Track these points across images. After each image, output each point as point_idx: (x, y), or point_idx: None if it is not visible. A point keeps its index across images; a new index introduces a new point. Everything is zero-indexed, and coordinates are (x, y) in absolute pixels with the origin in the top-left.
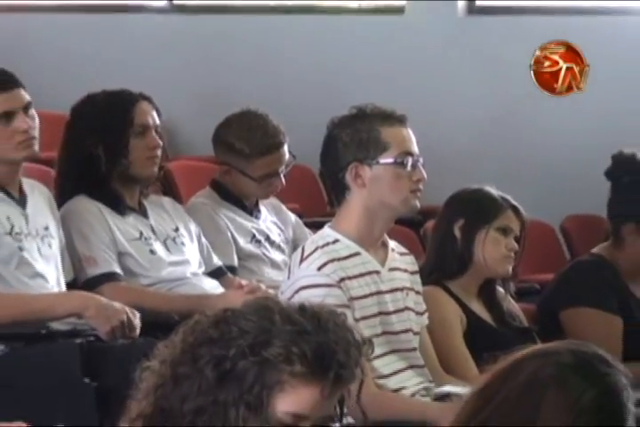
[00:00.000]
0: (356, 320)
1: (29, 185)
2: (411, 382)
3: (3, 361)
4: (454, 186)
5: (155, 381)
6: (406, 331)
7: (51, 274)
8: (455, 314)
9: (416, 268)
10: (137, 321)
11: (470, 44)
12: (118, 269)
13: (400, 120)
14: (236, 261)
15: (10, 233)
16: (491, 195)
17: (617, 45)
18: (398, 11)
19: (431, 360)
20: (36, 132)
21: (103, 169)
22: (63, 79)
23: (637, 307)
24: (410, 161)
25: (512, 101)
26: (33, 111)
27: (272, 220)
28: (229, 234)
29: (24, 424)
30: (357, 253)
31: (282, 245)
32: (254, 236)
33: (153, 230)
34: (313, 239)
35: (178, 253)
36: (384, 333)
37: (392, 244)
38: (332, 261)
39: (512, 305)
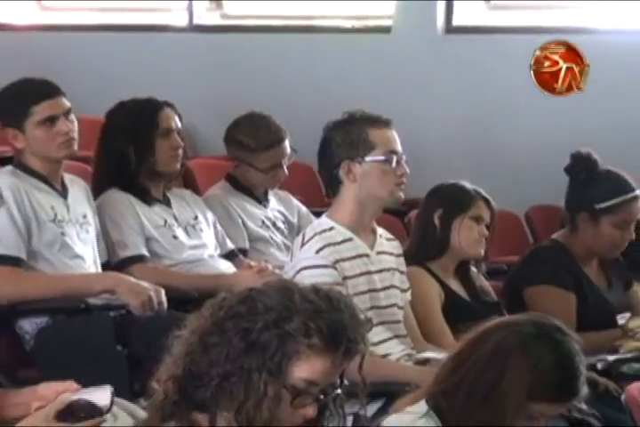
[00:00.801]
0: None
1: (70, 179)
2: (396, 350)
3: (47, 331)
4: (433, 180)
5: (185, 348)
6: (392, 306)
7: (88, 256)
8: (435, 291)
9: (401, 251)
10: (162, 297)
11: (448, 59)
12: (145, 252)
13: (385, 123)
14: (247, 244)
15: (53, 220)
16: (465, 188)
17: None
18: (386, 30)
19: (413, 331)
20: (76, 134)
21: (133, 166)
22: (98, 88)
23: (589, 285)
24: (394, 158)
25: (483, 108)
26: (72, 116)
27: (279, 209)
28: (240, 221)
29: (74, 383)
30: (350, 239)
31: (286, 230)
32: (263, 222)
33: (175, 218)
34: (312, 226)
35: (196, 237)
36: (373, 307)
37: (380, 230)
38: (329, 245)
39: (483, 283)
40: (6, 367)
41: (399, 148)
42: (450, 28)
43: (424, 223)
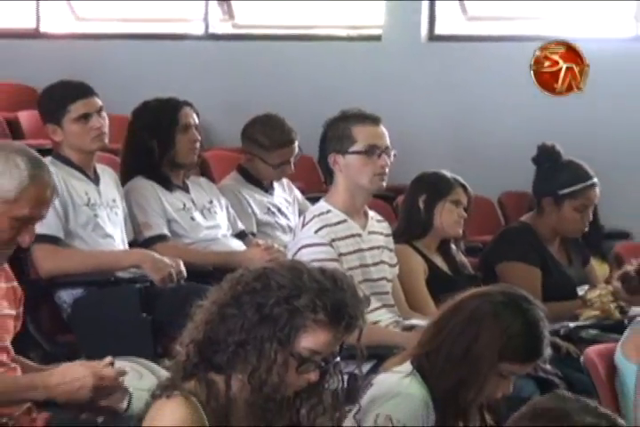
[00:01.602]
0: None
1: (101, 168)
2: (385, 317)
3: (81, 301)
4: (418, 169)
5: (206, 316)
6: (382, 279)
7: (117, 235)
8: (419, 266)
9: (389, 231)
10: (182, 268)
11: (430, 63)
12: (167, 232)
13: (373, 120)
14: (254, 228)
15: (87, 204)
16: (446, 176)
17: None
18: (376, 38)
19: (400, 301)
20: (106, 129)
21: (156, 157)
22: (126, 89)
23: (552, 261)
24: (376, 152)
25: (462, 106)
26: (104, 113)
27: (283, 196)
28: (249, 208)
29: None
30: (344, 221)
31: (289, 215)
32: (269, 208)
33: (193, 202)
34: (311, 210)
35: (211, 219)
36: (365, 280)
37: (371, 213)
38: (326, 226)
39: (462, 258)
40: (47, 333)
41: (382, 142)
42: (432, 37)
43: (410, 207)
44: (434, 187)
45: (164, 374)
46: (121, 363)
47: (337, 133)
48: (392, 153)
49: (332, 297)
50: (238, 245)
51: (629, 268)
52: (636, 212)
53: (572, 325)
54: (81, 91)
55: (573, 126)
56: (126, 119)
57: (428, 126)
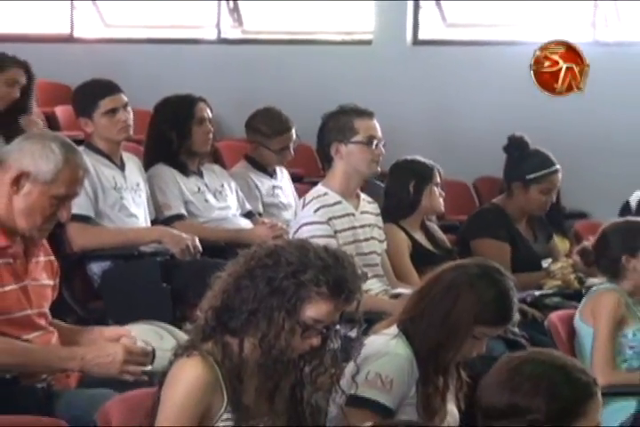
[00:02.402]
0: (339, 246)
1: (126, 156)
2: (375, 286)
3: (109, 272)
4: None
5: (223, 286)
6: (372, 253)
7: (141, 215)
8: (404, 242)
9: (378, 211)
10: (197, 243)
11: (415, 65)
12: (184, 212)
13: (369, 114)
14: (261, 209)
15: (114, 188)
16: (425, 163)
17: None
18: (367, 43)
19: (388, 272)
20: (131, 122)
21: (174, 147)
22: (148, 87)
23: (520, 238)
24: (373, 142)
25: (442, 102)
26: (129, 108)
27: (286, 180)
28: (256, 191)
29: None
30: (340, 202)
31: (290, 194)
32: (274, 191)
33: (207, 186)
34: (311, 192)
35: (223, 201)
36: (357, 254)
37: (363, 195)
38: (323, 206)
39: (440, 235)
40: (80, 300)
41: (378, 134)
42: (416, 41)
43: (400, 191)
44: (420, 173)
45: (182, 335)
46: (144, 326)
47: (338, 125)
48: (382, 143)
49: (333, 273)
50: (246, 224)
51: (587, 244)
52: (593, 195)
53: (537, 293)
54: (109, 88)
55: (538, 120)
56: (148, 113)
57: (412, 120)
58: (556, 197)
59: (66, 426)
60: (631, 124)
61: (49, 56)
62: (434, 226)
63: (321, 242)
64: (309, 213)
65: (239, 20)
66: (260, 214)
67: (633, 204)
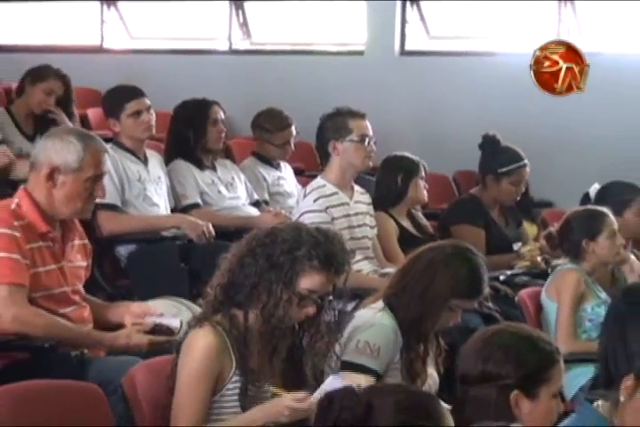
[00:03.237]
0: None
1: (149, 152)
2: (366, 267)
3: (135, 254)
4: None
5: (228, 265)
6: (364, 237)
7: (162, 204)
8: (392, 228)
9: (370, 201)
10: (211, 229)
11: (402, 73)
12: (200, 201)
13: (361, 116)
14: (267, 197)
15: (138, 180)
16: (412, 158)
17: (492, 73)
18: (360, 53)
19: (378, 254)
20: (154, 122)
21: (191, 144)
22: (168, 92)
23: (493, 224)
24: (366, 140)
25: (427, 105)
26: (152, 110)
27: (290, 172)
28: (263, 182)
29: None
30: (336, 193)
31: (292, 185)
32: (279, 181)
33: (219, 179)
34: (311, 184)
35: (233, 192)
36: (351, 238)
37: (356, 187)
38: (322, 197)
39: (424, 221)
40: (109, 278)
41: (370, 133)
42: (403, 52)
43: (389, 183)
44: (407, 168)
45: (197, 309)
46: (164, 301)
47: (335, 125)
48: (374, 141)
49: (324, 249)
50: (254, 212)
51: (552, 229)
52: (558, 186)
53: (508, 273)
54: (134, 93)
55: (510, 121)
56: (169, 115)
57: (400, 121)
58: (525, 188)
59: (96, 389)
60: (590, 125)
61: (82, 64)
62: (418, 214)
63: None
64: (309, 202)
65: (248, 34)
66: (266, 202)
67: (592, 194)
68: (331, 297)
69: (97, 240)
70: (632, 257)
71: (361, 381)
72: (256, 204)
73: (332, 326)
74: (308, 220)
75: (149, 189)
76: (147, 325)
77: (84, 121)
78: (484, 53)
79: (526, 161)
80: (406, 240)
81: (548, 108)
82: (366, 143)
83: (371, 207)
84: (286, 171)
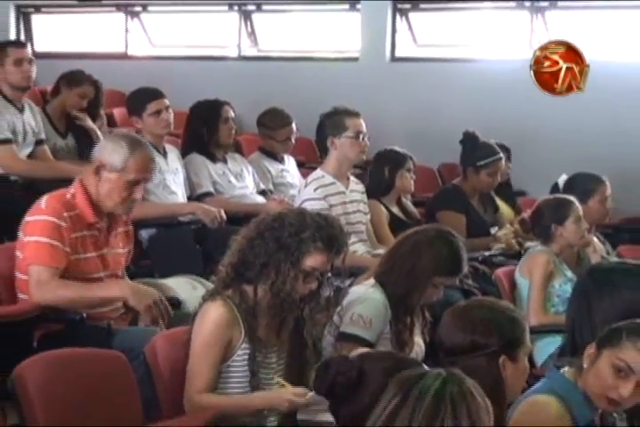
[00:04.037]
0: None
1: (168, 147)
2: (360, 249)
3: (155, 237)
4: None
5: (238, 246)
6: (358, 222)
7: (179, 192)
8: (383, 214)
9: (364, 190)
10: (223, 214)
11: (393, 77)
12: (212, 190)
13: (356, 114)
14: (272, 187)
15: (159, 171)
16: (400, 152)
17: (473, 77)
18: (355, 59)
19: (371, 237)
20: (172, 120)
21: (205, 140)
22: (185, 93)
23: (473, 210)
24: (360, 136)
25: (414, 106)
26: (170, 109)
27: (292, 165)
28: (269, 174)
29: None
30: (334, 183)
31: (295, 176)
32: (282, 173)
33: (230, 170)
34: (311, 175)
35: (242, 182)
36: (347, 223)
37: (352, 177)
38: (321, 186)
39: (412, 208)
40: (132, 259)
41: (364, 129)
42: (394, 58)
43: (378, 174)
44: (394, 160)
45: (210, 285)
46: (181, 279)
47: (333, 123)
48: (367, 137)
49: (326, 232)
50: (260, 200)
51: (525, 215)
52: (530, 177)
53: (486, 253)
54: (154, 94)
55: (488, 119)
56: (185, 114)
57: (391, 120)
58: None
59: (121, 356)
60: (559, 124)
61: (108, 69)
62: (407, 201)
63: None
64: (310, 191)
65: (255, 42)
66: (271, 191)
67: (560, 184)
68: (330, 274)
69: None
70: (595, 240)
71: (355, 349)
72: (262, 192)
73: (330, 299)
74: (308, 207)
75: (168, 180)
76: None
77: (110, 119)
78: (465, 60)
79: (501, 155)
80: (396, 225)
81: (523, 108)
82: (361, 139)
83: (364, 196)
84: (289, 163)
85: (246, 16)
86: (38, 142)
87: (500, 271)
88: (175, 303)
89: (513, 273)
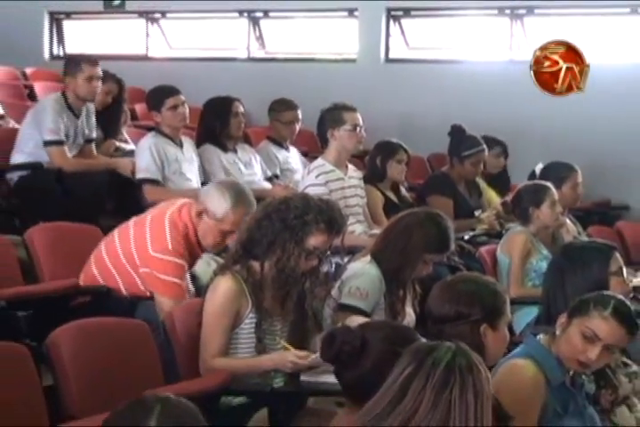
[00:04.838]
0: None
1: (184, 138)
2: (357, 229)
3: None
4: (379, 139)
5: (247, 226)
6: (355, 205)
7: (194, 179)
8: (379, 198)
9: (361, 176)
10: None
11: (387, 76)
12: (224, 177)
13: (353, 109)
14: (278, 172)
15: (175, 160)
16: (393, 143)
17: (458, 77)
18: (353, 60)
19: (367, 219)
20: (187, 115)
21: (217, 132)
22: (199, 90)
23: (460, 195)
24: (357, 128)
25: (406, 103)
26: (186, 105)
27: (295, 153)
28: (275, 160)
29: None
30: (334, 170)
31: (298, 163)
32: (287, 160)
33: (240, 159)
34: (313, 163)
35: (251, 169)
36: (345, 206)
37: (350, 165)
38: (322, 173)
39: (405, 193)
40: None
41: (360, 123)
42: (388, 60)
43: (372, 162)
44: (385, 151)
45: (222, 262)
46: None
47: (333, 117)
48: (363, 129)
49: (327, 214)
50: (267, 185)
51: (507, 198)
52: (511, 165)
53: (471, 233)
54: (172, 91)
55: (474, 114)
56: (199, 109)
57: (385, 114)
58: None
59: (143, 324)
60: (535, 118)
61: (131, 69)
62: (402, 187)
63: None
64: (312, 177)
65: (263, 45)
66: (277, 176)
67: (537, 172)
68: (329, 252)
69: (143, 209)
70: (568, 222)
71: (358, 321)
72: (269, 179)
73: (328, 275)
74: (311, 191)
75: (184, 168)
76: None
77: (133, 113)
78: (451, 61)
79: (484, 146)
80: (390, 208)
81: (503, 104)
82: (357, 131)
83: (361, 182)
84: (294, 152)
85: (254, 22)
86: (88, 141)
87: (483, 249)
88: (192, 277)
89: (495, 251)
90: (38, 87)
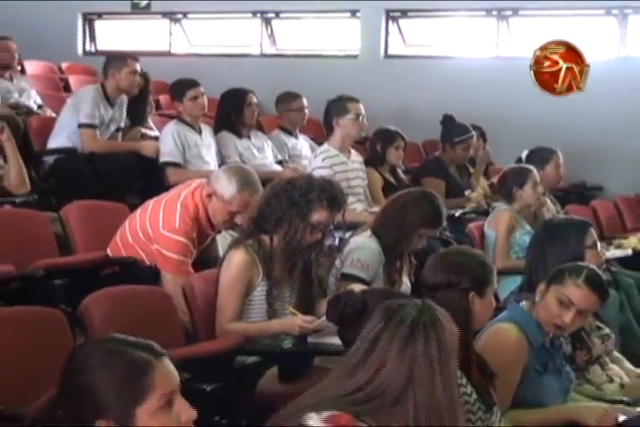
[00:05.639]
0: None
1: (203, 126)
2: (359, 207)
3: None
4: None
5: (258, 204)
6: (357, 186)
7: (212, 162)
8: (378, 180)
9: (362, 160)
10: None
11: (386, 71)
12: (239, 161)
13: (356, 100)
14: (287, 157)
15: (195, 145)
16: (391, 130)
17: (452, 72)
18: (355, 57)
19: (367, 198)
20: (206, 104)
21: (233, 120)
22: (216, 83)
23: (451, 177)
24: (359, 117)
25: (403, 95)
26: (205, 96)
27: (304, 139)
28: (285, 147)
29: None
30: (338, 155)
31: (307, 149)
32: (297, 146)
33: (253, 145)
34: (319, 149)
35: (263, 154)
36: (347, 187)
37: (352, 151)
38: (327, 157)
39: (402, 176)
40: None
41: (363, 112)
42: (387, 56)
43: (373, 148)
44: (384, 137)
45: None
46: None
47: (338, 107)
48: (365, 118)
49: (330, 192)
50: (278, 168)
51: (493, 179)
52: (499, 151)
53: (461, 211)
54: (192, 83)
55: (464, 104)
56: (217, 100)
57: (384, 105)
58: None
59: (165, 292)
60: (520, 109)
61: (155, 64)
62: (399, 170)
63: None
64: (319, 161)
65: (274, 42)
66: (286, 161)
67: (523, 157)
68: (332, 227)
69: (166, 188)
70: (548, 201)
71: (358, 287)
72: (280, 162)
73: (332, 247)
74: (317, 174)
75: (203, 152)
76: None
77: (157, 104)
78: (444, 57)
79: (473, 133)
80: (388, 188)
81: (490, 96)
82: (360, 120)
83: (362, 165)
84: (302, 139)
85: (267, 22)
86: (117, 129)
87: (472, 225)
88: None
89: (482, 227)
90: (72, 80)
